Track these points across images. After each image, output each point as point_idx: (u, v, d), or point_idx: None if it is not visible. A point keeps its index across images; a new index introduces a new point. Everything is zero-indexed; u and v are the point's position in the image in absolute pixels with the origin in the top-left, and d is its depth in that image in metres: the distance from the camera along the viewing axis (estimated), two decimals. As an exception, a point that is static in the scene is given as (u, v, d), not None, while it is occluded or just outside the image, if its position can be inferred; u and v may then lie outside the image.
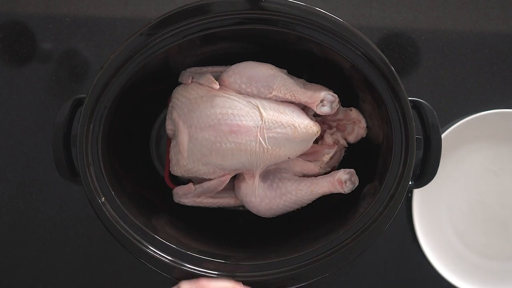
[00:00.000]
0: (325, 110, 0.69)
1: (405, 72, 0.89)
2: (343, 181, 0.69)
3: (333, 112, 0.69)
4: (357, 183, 0.70)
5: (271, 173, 0.72)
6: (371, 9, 0.88)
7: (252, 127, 0.66)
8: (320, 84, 0.72)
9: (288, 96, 0.69)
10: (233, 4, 0.62)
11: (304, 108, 0.71)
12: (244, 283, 0.62)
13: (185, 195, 0.73)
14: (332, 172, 0.71)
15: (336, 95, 0.69)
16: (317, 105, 0.68)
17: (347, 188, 0.69)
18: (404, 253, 0.86)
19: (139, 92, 0.71)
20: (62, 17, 0.88)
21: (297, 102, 0.70)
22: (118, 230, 0.63)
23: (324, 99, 0.68)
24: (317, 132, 0.69)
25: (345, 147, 0.75)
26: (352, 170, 0.70)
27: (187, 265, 0.62)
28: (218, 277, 0.61)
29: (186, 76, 0.72)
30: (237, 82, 0.69)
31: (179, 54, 0.68)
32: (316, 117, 0.72)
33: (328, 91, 0.69)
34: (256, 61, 0.70)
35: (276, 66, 0.70)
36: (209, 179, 0.71)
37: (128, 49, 0.63)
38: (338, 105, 0.69)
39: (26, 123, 0.87)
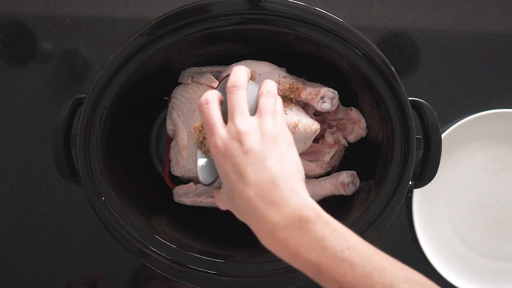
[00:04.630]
0: (325, 106, 0.68)
1: (405, 72, 0.88)
2: (346, 183, 0.69)
3: (333, 109, 0.68)
4: (358, 185, 0.70)
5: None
6: (371, 9, 0.88)
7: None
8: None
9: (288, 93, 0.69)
10: (233, 4, 0.62)
11: (304, 107, 0.71)
12: (244, 283, 0.62)
13: (185, 195, 0.73)
14: (333, 174, 0.71)
15: (336, 92, 0.69)
16: (317, 101, 0.68)
17: (349, 191, 0.69)
18: (404, 253, 0.86)
19: (139, 92, 0.71)
20: (62, 17, 0.88)
21: (297, 99, 0.69)
22: (118, 230, 0.63)
23: (324, 96, 0.68)
24: (316, 130, 0.68)
25: (345, 147, 0.75)
26: (354, 172, 0.70)
27: (187, 265, 0.62)
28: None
29: (186, 76, 0.72)
30: (236, 81, 0.69)
31: (179, 54, 0.68)
32: (316, 116, 0.72)
33: (328, 88, 0.69)
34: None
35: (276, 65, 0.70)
36: (209, 179, 0.71)
37: (128, 49, 0.63)
38: (338, 102, 0.69)
39: (26, 123, 0.87)
